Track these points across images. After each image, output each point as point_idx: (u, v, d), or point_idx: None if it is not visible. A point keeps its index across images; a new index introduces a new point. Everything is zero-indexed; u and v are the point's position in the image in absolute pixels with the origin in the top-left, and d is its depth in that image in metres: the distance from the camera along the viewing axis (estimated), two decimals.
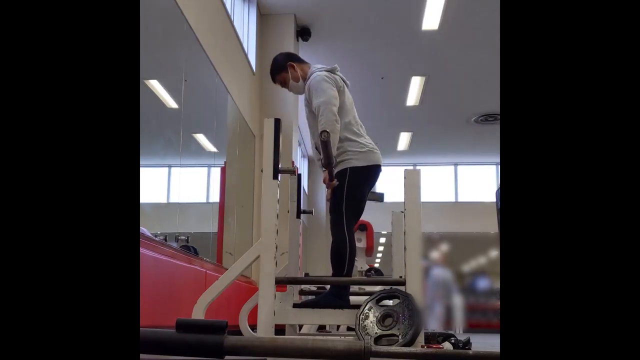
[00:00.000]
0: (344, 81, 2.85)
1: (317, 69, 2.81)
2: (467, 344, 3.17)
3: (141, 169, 1.31)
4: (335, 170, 2.68)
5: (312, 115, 2.73)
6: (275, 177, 2.35)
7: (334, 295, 2.56)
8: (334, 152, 2.58)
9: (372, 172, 2.76)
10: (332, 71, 2.81)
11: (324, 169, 2.67)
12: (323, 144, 2.40)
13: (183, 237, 4.37)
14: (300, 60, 2.95)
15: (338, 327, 3.97)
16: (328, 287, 2.70)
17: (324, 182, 2.73)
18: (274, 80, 2.99)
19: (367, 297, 2.37)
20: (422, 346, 2.19)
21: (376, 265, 11.87)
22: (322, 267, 9.56)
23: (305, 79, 2.86)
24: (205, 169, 5.76)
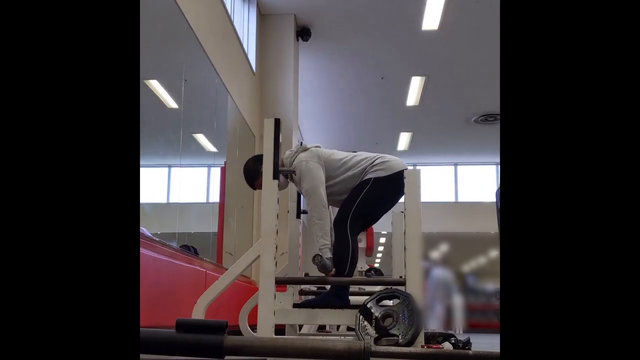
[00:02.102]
0: (317, 147, 2.80)
1: (292, 154, 2.76)
2: (467, 344, 3.17)
3: (141, 169, 1.31)
4: (359, 180, 2.68)
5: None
6: (275, 177, 2.35)
7: (334, 296, 2.56)
8: (329, 258, 2.56)
9: (395, 179, 2.66)
10: (305, 150, 2.76)
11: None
12: (317, 265, 2.48)
13: (182, 236, 4.37)
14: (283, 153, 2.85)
15: (338, 327, 3.97)
16: (328, 287, 2.71)
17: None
18: (253, 188, 2.96)
19: (367, 297, 2.37)
20: (422, 346, 2.19)
21: (376, 265, 11.89)
22: None
23: (289, 163, 2.77)
24: (205, 169, 5.76)
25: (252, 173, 2.92)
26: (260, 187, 2.80)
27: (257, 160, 2.83)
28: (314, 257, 2.49)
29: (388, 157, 2.76)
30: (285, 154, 2.80)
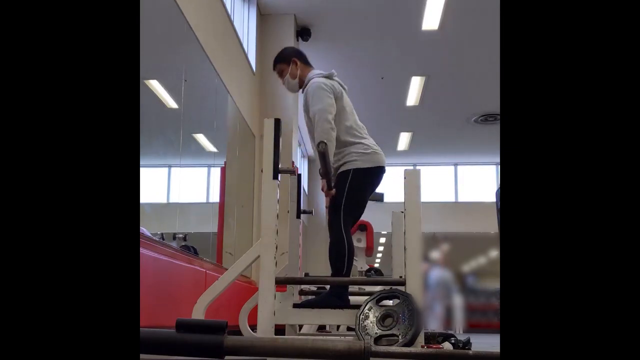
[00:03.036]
0: (341, 86, 2.85)
1: (316, 74, 2.82)
2: (467, 344, 3.17)
3: (141, 169, 1.30)
4: (339, 171, 2.69)
5: (311, 121, 2.75)
6: (275, 177, 2.35)
7: (333, 296, 2.56)
8: (332, 160, 2.59)
9: (375, 173, 2.76)
10: (329, 77, 2.82)
11: (322, 178, 2.68)
12: (320, 154, 2.42)
13: (180, 235, 4.37)
14: (305, 61, 2.95)
15: (338, 327, 3.97)
16: (328, 287, 2.71)
17: (322, 190, 2.74)
18: (274, 68, 3.01)
19: (367, 297, 2.37)
20: (422, 346, 2.19)
21: (376, 265, 11.88)
22: (322, 267, 9.55)
23: (302, 81, 2.87)
24: (205, 169, 5.76)
25: (285, 56, 2.96)
26: (278, 73, 2.96)
27: (298, 53, 2.97)
28: (319, 143, 2.43)
29: (372, 146, 2.75)
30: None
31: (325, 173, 2.54)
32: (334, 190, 2.64)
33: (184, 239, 4.41)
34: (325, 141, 2.49)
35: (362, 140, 2.76)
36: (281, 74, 2.97)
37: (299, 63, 2.91)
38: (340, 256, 2.60)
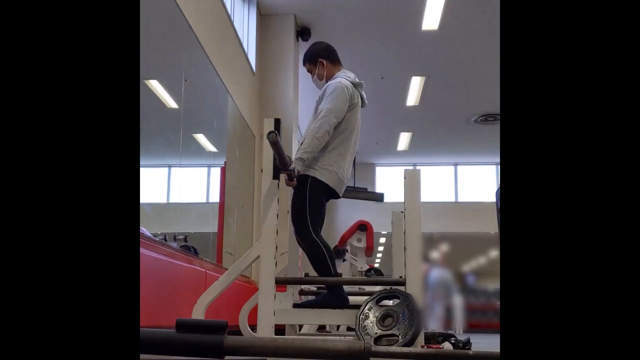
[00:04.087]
0: (362, 99, 2.84)
1: (345, 76, 2.79)
2: (467, 344, 3.17)
3: (141, 169, 1.30)
4: (300, 173, 2.60)
5: (315, 112, 2.73)
6: (275, 177, 2.35)
7: (332, 296, 2.55)
8: (309, 157, 2.56)
9: (329, 191, 2.69)
10: (357, 86, 2.81)
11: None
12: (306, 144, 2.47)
13: (181, 237, 4.37)
14: (333, 60, 2.93)
15: (338, 327, 3.97)
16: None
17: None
18: (304, 64, 2.99)
19: (367, 297, 2.37)
20: (422, 346, 2.19)
21: (376, 265, 11.89)
22: None
23: (329, 79, 2.85)
24: (205, 169, 5.76)
25: (313, 56, 2.95)
26: (308, 70, 2.95)
27: (326, 51, 2.96)
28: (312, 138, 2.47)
29: (338, 169, 2.68)
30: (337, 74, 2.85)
31: (282, 164, 2.41)
32: (294, 182, 2.55)
33: (185, 239, 4.42)
34: (315, 139, 2.54)
35: (337, 161, 2.68)
36: (310, 72, 2.96)
37: (325, 63, 2.90)
38: (322, 263, 2.57)
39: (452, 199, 13.48)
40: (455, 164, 13.54)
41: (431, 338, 3.04)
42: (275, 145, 2.22)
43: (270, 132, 2.18)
